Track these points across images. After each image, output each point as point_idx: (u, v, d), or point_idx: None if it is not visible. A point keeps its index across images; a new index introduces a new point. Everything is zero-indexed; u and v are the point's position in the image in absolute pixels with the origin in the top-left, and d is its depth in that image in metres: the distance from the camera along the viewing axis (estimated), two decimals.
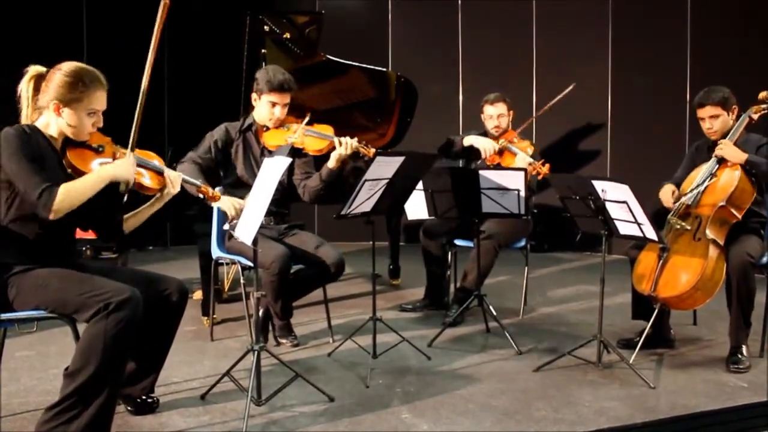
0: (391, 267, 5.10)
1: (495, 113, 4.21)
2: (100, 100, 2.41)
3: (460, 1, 6.92)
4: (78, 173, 2.37)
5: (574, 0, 6.46)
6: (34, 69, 2.41)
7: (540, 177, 3.84)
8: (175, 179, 2.57)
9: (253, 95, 3.55)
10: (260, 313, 2.98)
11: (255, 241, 2.58)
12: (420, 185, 3.54)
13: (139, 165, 2.50)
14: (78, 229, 2.60)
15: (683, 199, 3.33)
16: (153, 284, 2.51)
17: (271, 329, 3.59)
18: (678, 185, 3.48)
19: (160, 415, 2.65)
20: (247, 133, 3.60)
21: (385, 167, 3.03)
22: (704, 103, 3.37)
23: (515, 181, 3.50)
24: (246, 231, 2.60)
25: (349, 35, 6.69)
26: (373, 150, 3.40)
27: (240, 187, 3.44)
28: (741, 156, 3.23)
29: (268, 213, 3.02)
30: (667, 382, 3.03)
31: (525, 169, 3.56)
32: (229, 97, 4.93)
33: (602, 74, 6.41)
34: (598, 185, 2.96)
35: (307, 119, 3.51)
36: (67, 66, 2.37)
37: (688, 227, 3.25)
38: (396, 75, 5.23)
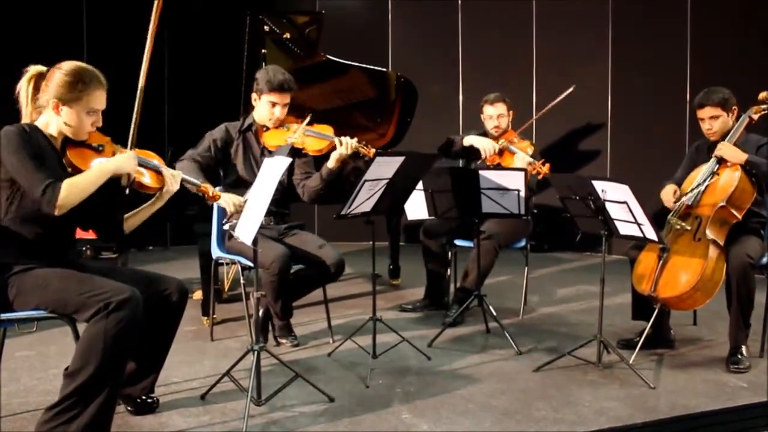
0: (391, 267, 5.10)
1: (495, 113, 4.21)
2: (99, 100, 2.41)
3: (460, 1, 6.91)
4: (78, 172, 2.37)
5: (574, 0, 6.45)
6: (34, 68, 2.41)
7: (540, 176, 3.84)
8: (175, 177, 2.57)
9: (253, 95, 3.55)
10: (260, 313, 2.98)
11: (255, 241, 2.58)
12: (420, 185, 3.53)
13: (138, 164, 2.50)
14: (78, 229, 2.61)
15: (683, 199, 3.33)
16: (153, 284, 2.51)
17: (271, 329, 3.59)
18: (678, 185, 3.48)
19: (160, 415, 2.65)
20: (247, 133, 3.59)
21: (385, 167, 3.03)
22: (704, 103, 3.37)
23: (515, 182, 3.50)
24: (246, 231, 2.60)
25: (349, 35, 6.69)
26: (373, 150, 3.40)
27: (240, 187, 3.44)
28: (741, 156, 3.23)
29: (268, 213, 3.02)
30: (667, 382, 3.03)
31: (525, 170, 3.56)
32: (229, 97, 4.93)
33: (602, 74, 6.41)
34: (598, 185, 2.96)
35: (308, 119, 3.51)
36: (67, 65, 2.38)
37: (688, 227, 3.25)
38: (396, 75, 5.23)
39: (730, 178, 3.23)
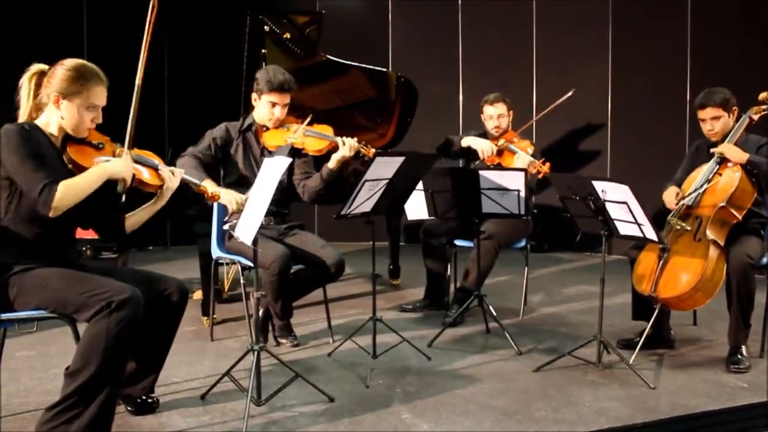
0: (391, 267, 5.10)
1: (495, 113, 4.21)
2: (99, 96, 2.42)
3: (460, 1, 6.91)
4: (79, 168, 2.38)
5: (574, 0, 6.45)
6: (36, 66, 2.44)
7: (540, 176, 3.84)
8: (174, 174, 2.58)
9: (253, 95, 3.55)
10: (260, 313, 2.98)
11: (255, 241, 2.58)
12: (420, 185, 3.54)
13: (137, 162, 2.50)
14: (78, 229, 2.61)
15: (684, 200, 3.33)
16: (153, 284, 2.51)
17: (271, 329, 3.59)
18: (678, 186, 3.48)
19: (160, 415, 2.65)
20: (247, 133, 3.59)
21: (385, 167, 3.03)
22: (705, 104, 3.37)
23: (515, 182, 3.50)
24: (246, 231, 2.60)
25: (349, 35, 6.69)
26: (373, 150, 3.40)
27: (241, 186, 3.44)
28: (742, 156, 3.23)
29: (268, 213, 3.02)
30: (667, 382, 3.03)
31: (525, 170, 3.56)
32: (229, 97, 4.93)
33: (602, 74, 6.41)
34: (598, 185, 2.96)
35: (309, 119, 3.51)
36: (69, 61, 2.41)
37: (689, 228, 3.25)
38: (396, 75, 5.23)
39: (731, 179, 3.23)
